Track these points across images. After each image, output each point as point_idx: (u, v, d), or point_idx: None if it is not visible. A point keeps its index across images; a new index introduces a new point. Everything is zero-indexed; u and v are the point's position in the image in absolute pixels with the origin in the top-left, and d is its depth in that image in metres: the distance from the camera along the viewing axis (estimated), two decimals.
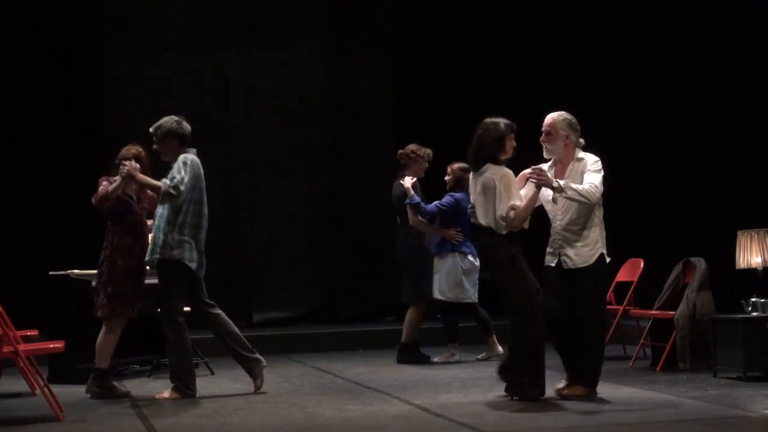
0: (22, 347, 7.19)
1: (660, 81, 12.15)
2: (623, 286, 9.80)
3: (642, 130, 12.28)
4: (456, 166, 9.47)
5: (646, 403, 7.01)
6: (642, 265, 9.68)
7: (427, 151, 9.72)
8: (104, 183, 7.98)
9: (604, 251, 7.09)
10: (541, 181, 6.90)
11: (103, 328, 7.92)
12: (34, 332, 8.23)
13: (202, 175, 7.88)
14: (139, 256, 7.91)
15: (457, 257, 9.44)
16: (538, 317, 6.98)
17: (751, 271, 8.30)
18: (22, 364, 7.45)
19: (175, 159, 7.81)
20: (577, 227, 7.04)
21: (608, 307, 9.82)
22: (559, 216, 7.11)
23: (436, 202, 9.48)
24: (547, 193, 7.05)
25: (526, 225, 7.06)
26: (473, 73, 12.85)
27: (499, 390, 7.49)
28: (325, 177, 12.96)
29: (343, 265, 12.85)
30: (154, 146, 7.93)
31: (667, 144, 12.11)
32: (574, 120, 7.15)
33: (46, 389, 7.13)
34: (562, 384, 7.17)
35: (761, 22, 11.07)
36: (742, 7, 11.24)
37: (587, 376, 7.11)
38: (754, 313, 8.06)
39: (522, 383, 7.05)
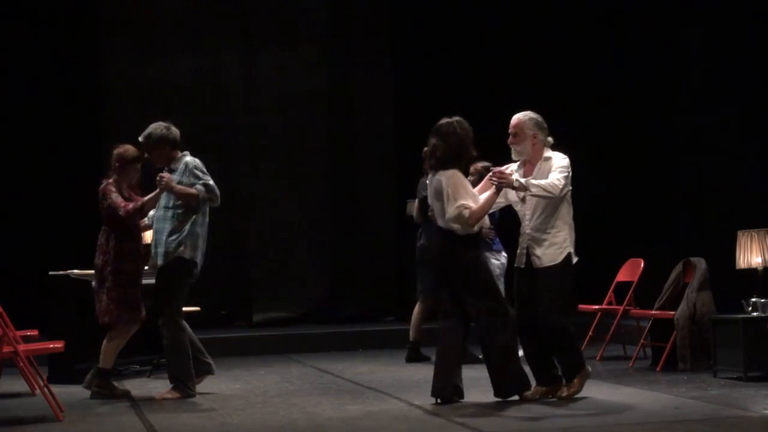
0: (22, 347, 7.19)
1: (660, 81, 12.15)
2: (623, 286, 9.80)
3: (642, 130, 12.28)
4: (480, 165, 9.44)
5: (646, 403, 7.01)
6: (642, 265, 9.68)
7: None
8: (112, 189, 7.89)
9: (572, 251, 7.07)
10: (502, 183, 6.87)
11: (110, 333, 7.88)
12: (34, 332, 8.23)
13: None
14: (139, 260, 7.90)
15: (491, 255, 9.39)
16: (507, 323, 6.95)
17: (751, 271, 8.30)
18: (22, 364, 7.45)
19: (169, 164, 7.81)
20: (546, 227, 7.02)
21: (608, 307, 9.85)
22: (527, 216, 7.09)
23: None
24: (516, 194, 7.03)
25: (486, 224, 7.07)
26: (474, 73, 12.84)
27: None
28: (325, 177, 12.96)
29: (343, 265, 12.85)
30: (145, 155, 7.90)
31: (667, 144, 12.11)
32: (540, 119, 7.12)
33: (46, 389, 7.13)
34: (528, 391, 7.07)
35: (763, 20, 11.07)
36: (745, 4, 11.23)
37: (569, 369, 7.10)
38: (754, 313, 8.06)
39: (503, 384, 7.03)
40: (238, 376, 8.48)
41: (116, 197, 7.85)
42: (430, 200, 7.18)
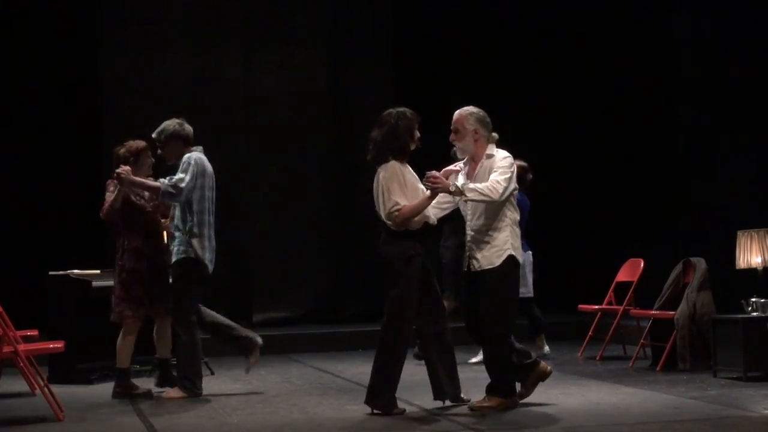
0: (22, 347, 7.19)
1: (660, 81, 12.14)
2: (623, 286, 9.80)
3: (642, 130, 12.28)
4: (517, 163, 9.41)
5: (646, 403, 7.01)
6: (642, 265, 9.68)
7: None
8: (111, 189, 7.92)
9: (514, 253, 6.75)
10: (437, 186, 6.64)
11: (121, 331, 7.90)
12: (34, 332, 8.23)
13: (210, 172, 7.88)
14: (151, 257, 7.87)
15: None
16: (405, 334, 6.81)
17: (751, 271, 8.30)
18: (22, 364, 7.44)
19: (178, 160, 7.84)
20: (486, 228, 6.76)
21: (608, 307, 9.85)
22: (469, 217, 6.88)
23: None
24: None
25: (432, 220, 6.84)
26: (474, 73, 12.84)
27: None
28: (326, 177, 12.96)
29: (343, 265, 12.85)
30: (159, 151, 7.94)
31: (667, 144, 12.11)
32: (482, 114, 6.89)
33: (46, 389, 7.13)
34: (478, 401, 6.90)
35: (762, 22, 11.06)
36: (742, 8, 11.23)
37: (499, 385, 6.82)
38: (754, 313, 8.06)
39: (378, 393, 6.83)
40: (238, 376, 8.48)
41: (107, 196, 7.87)
42: (374, 194, 6.94)
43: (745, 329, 7.94)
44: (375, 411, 6.78)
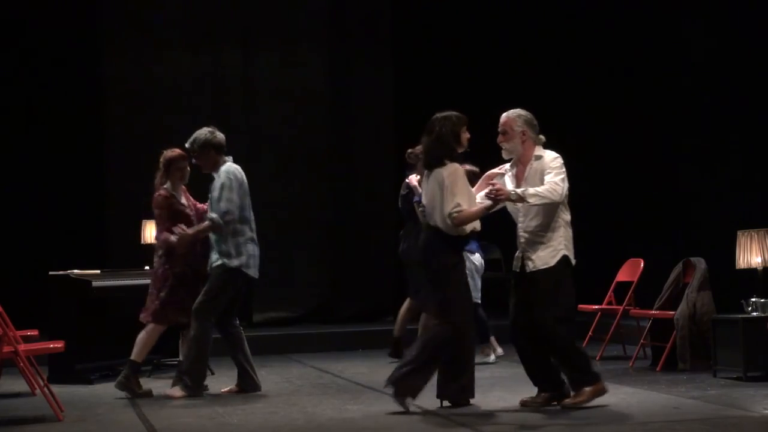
0: (22, 347, 7.19)
1: (659, 81, 12.14)
2: (623, 286, 9.80)
3: (642, 130, 12.28)
4: (467, 167, 9.44)
5: (646, 403, 7.01)
6: (642, 265, 9.68)
7: None
8: (160, 201, 7.98)
9: (568, 253, 6.80)
10: (499, 198, 6.65)
11: (149, 327, 7.98)
12: (34, 332, 8.24)
13: (243, 180, 8.00)
14: (194, 263, 7.96)
15: (468, 257, 9.41)
16: (467, 329, 6.82)
17: (751, 271, 8.29)
18: (22, 364, 7.45)
19: (215, 169, 7.93)
20: (540, 229, 6.80)
21: (608, 307, 9.85)
22: (521, 218, 6.90)
23: None
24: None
25: (477, 227, 6.86)
26: (474, 74, 12.86)
27: (498, 391, 7.49)
28: (325, 177, 12.97)
29: (343, 265, 12.85)
30: (193, 160, 8.01)
31: (666, 144, 12.11)
32: (530, 116, 6.91)
33: (46, 389, 7.13)
34: (529, 396, 6.93)
35: (762, 23, 11.06)
36: (742, 8, 11.23)
37: (581, 377, 6.85)
38: (754, 313, 8.06)
39: (454, 388, 6.87)
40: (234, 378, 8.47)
41: (157, 215, 7.98)
42: (424, 198, 7.02)
43: (745, 329, 7.94)
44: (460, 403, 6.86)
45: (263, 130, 12.76)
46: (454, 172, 6.80)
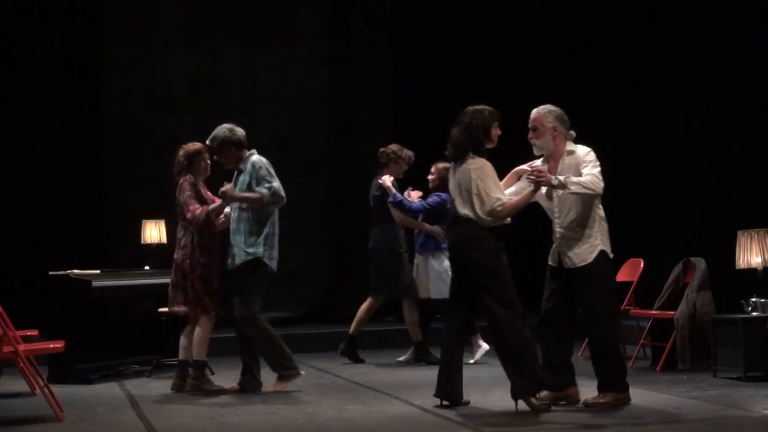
0: (22, 347, 7.19)
1: (659, 80, 12.15)
2: (623, 286, 9.78)
3: (641, 130, 12.28)
4: (441, 165, 9.50)
5: (646, 403, 7.00)
6: (642, 265, 9.68)
7: (409, 153, 9.76)
8: (187, 187, 8.00)
9: (606, 248, 6.84)
10: (540, 181, 6.67)
11: (199, 323, 8.00)
12: (34, 332, 8.23)
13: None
14: (216, 254, 8.01)
15: (444, 255, 9.45)
16: (519, 322, 6.69)
17: (751, 271, 8.29)
18: (22, 364, 7.45)
19: (236, 165, 8.00)
20: (576, 225, 6.82)
21: None
22: (556, 214, 6.91)
23: (421, 201, 9.52)
24: (545, 190, 6.86)
25: (508, 220, 6.86)
26: (473, 74, 12.85)
27: (498, 390, 7.49)
28: (325, 177, 12.96)
29: (343, 265, 12.85)
30: (214, 157, 8.08)
31: (666, 144, 12.12)
32: (560, 111, 6.92)
33: (46, 389, 7.13)
34: (543, 393, 6.84)
35: (764, 21, 11.07)
36: (747, 4, 11.24)
37: (610, 380, 6.84)
38: (754, 313, 8.06)
39: (519, 385, 6.76)
40: (238, 376, 8.46)
41: (188, 197, 7.98)
42: (452, 190, 6.94)
43: (745, 329, 7.94)
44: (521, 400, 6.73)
45: (263, 129, 12.74)
46: (482, 167, 6.77)
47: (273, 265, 7.98)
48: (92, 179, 12.27)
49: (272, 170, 8.03)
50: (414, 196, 9.59)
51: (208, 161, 8.17)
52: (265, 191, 7.85)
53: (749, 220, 9.09)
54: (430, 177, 9.65)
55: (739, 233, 8.39)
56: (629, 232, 11.98)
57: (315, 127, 12.89)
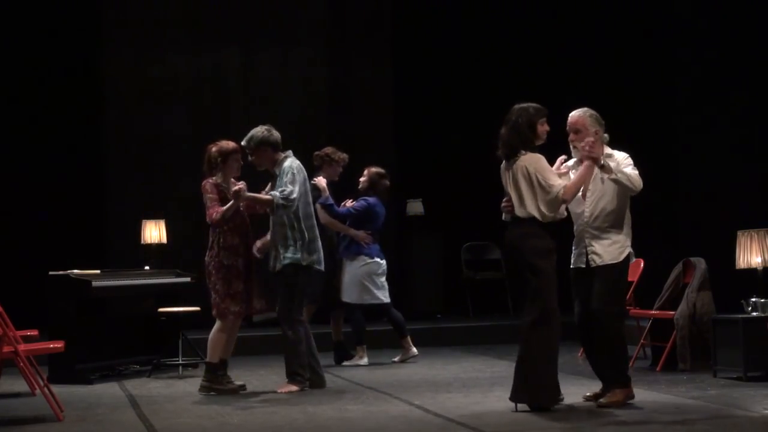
0: (22, 347, 7.19)
1: (658, 79, 12.14)
2: None
3: (641, 129, 12.27)
4: (373, 169, 9.60)
5: (646, 403, 7.00)
6: (642, 265, 9.67)
7: (343, 156, 9.87)
8: (208, 188, 7.99)
9: (631, 250, 7.04)
10: (593, 154, 6.69)
11: (217, 325, 8.01)
12: (34, 332, 8.23)
13: (307, 176, 8.17)
14: (245, 255, 7.99)
15: (364, 260, 9.55)
16: (559, 328, 6.72)
17: (751, 271, 8.29)
18: (22, 364, 7.45)
19: (271, 167, 8.02)
20: (606, 225, 6.90)
21: None
22: (587, 213, 6.93)
23: (348, 206, 9.61)
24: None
25: (564, 213, 6.84)
26: (473, 72, 12.86)
27: (498, 390, 7.49)
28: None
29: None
30: (249, 158, 8.08)
31: (666, 143, 12.11)
32: (597, 115, 6.96)
33: (46, 389, 7.13)
34: (591, 393, 6.98)
35: (764, 16, 11.07)
36: (741, 6, 11.24)
37: (611, 377, 6.89)
38: (754, 313, 8.06)
39: (536, 391, 6.70)
40: (238, 376, 8.48)
41: (210, 199, 7.95)
42: (506, 188, 6.88)
43: (745, 329, 7.94)
44: (536, 405, 6.68)
45: None
46: (536, 160, 6.76)
47: (321, 267, 8.05)
48: (92, 179, 12.27)
49: (299, 176, 7.99)
50: (321, 181, 9.64)
51: (241, 162, 8.15)
52: (276, 194, 7.86)
53: (749, 220, 9.09)
54: (361, 179, 9.78)
55: (739, 233, 8.38)
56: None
57: (315, 127, 12.87)
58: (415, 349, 9.72)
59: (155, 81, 12.45)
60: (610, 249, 6.89)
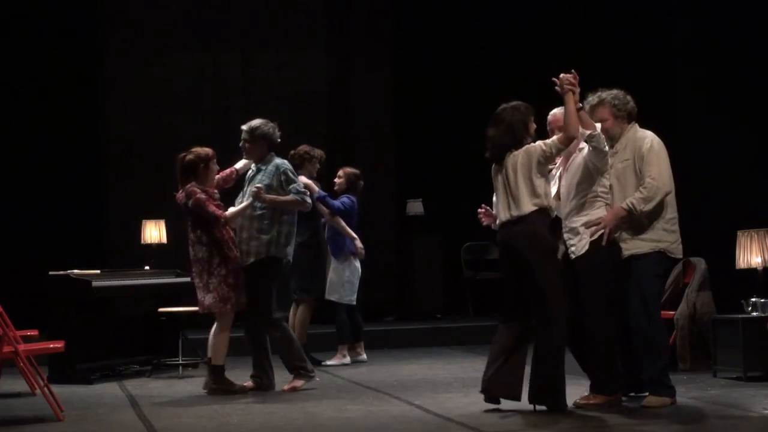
0: (22, 347, 7.19)
1: (658, 79, 12.14)
2: None
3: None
4: (349, 170, 9.62)
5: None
6: None
7: (320, 152, 9.85)
8: (198, 192, 7.89)
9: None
10: (573, 87, 6.84)
11: (217, 326, 7.96)
12: (34, 332, 8.23)
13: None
14: (235, 247, 7.96)
15: (351, 260, 9.61)
16: (564, 328, 6.60)
17: (751, 271, 8.29)
18: (22, 364, 7.45)
19: (258, 161, 8.04)
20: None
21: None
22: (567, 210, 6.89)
23: (337, 201, 9.62)
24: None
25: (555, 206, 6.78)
26: (473, 73, 12.85)
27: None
28: (325, 177, 12.92)
29: None
30: (245, 144, 8.10)
31: (666, 143, 12.09)
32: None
33: (46, 389, 7.13)
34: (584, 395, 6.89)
35: (764, 17, 11.07)
36: (746, 4, 11.24)
37: (604, 381, 6.77)
38: (754, 313, 8.06)
39: (544, 393, 6.64)
40: (238, 376, 8.47)
41: (207, 202, 7.87)
42: (496, 192, 6.83)
43: (745, 329, 7.94)
44: (544, 407, 6.63)
45: None
46: (527, 147, 6.71)
47: (290, 260, 8.02)
48: (92, 179, 12.27)
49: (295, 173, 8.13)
50: (303, 179, 9.64)
51: (218, 166, 8.14)
52: (298, 198, 7.91)
53: (749, 220, 9.09)
54: (337, 180, 9.82)
55: (739, 233, 8.38)
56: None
57: (315, 127, 12.87)
58: (364, 355, 9.77)
59: (155, 81, 12.45)
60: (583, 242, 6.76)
